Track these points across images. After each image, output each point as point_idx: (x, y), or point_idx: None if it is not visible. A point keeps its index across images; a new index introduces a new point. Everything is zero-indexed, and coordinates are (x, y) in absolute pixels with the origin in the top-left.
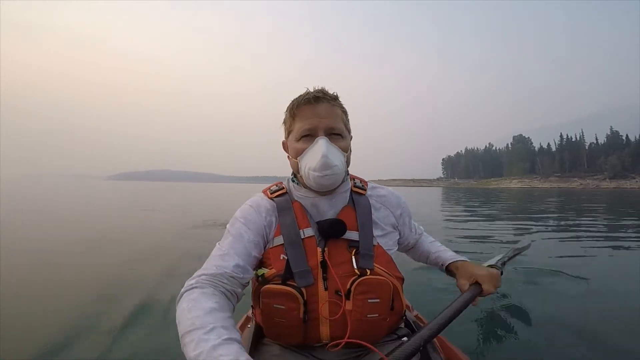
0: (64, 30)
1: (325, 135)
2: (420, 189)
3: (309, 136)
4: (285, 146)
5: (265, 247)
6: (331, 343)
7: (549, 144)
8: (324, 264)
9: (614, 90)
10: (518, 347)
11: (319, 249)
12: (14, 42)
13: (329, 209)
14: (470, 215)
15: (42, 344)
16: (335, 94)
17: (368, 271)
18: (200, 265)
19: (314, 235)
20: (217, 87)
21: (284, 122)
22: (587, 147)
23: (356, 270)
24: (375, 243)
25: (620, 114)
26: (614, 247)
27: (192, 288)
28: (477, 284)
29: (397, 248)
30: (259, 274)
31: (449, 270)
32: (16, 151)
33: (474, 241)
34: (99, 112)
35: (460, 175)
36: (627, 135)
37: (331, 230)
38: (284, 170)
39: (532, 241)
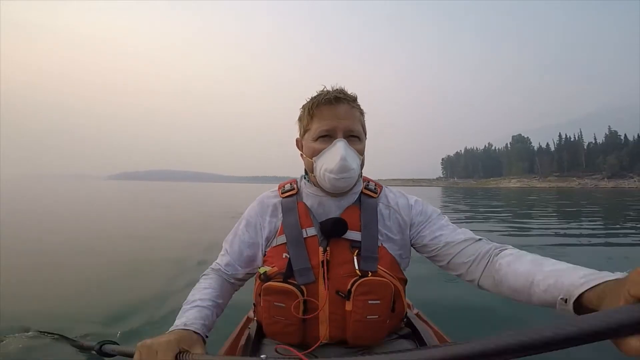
0: (64, 30)
1: (344, 137)
2: (420, 189)
3: (327, 137)
4: (299, 144)
5: (266, 246)
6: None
7: (547, 143)
8: (325, 264)
9: (613, 90)
10: None
11: (321, 248)
12: (14, 42)
13: (336, 210)
14: (469, 214)
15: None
16: (354, 94)
17: (370, 273)
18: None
19: (316, 235)
20: (217, 86)
21: (300, 120)
22: (585, 147)
23: (357, 271)
24: (380, 244)
25: (619, 113)
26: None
27: (203, 276)
28: None
29: (404, 253)
30: (262, 272)
31: (584, 305)
32: (16, 151)
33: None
34: (99, 111)
35: (460, 175)
36: (625, 135)
37: (332, 228)
38: (285, 170)
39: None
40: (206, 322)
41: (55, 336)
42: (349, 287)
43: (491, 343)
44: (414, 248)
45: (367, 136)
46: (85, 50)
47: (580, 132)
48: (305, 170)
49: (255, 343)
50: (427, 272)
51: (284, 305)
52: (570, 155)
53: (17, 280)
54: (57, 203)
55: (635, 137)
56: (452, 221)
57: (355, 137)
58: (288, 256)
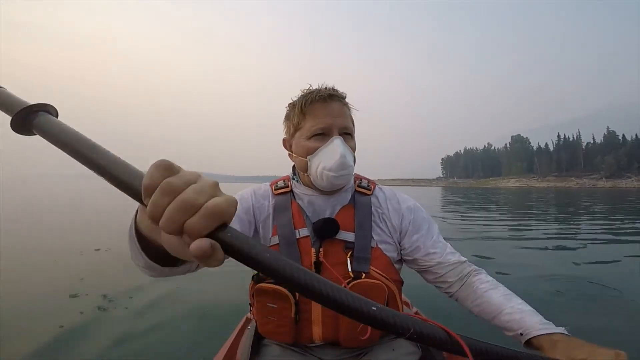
0: (64, 30)
1: (339, 135)
2: (419, 189)
3: (322, 135)
4: (287, 144)
5: (254, 230)
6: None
7: (546, 143)
8: (317, 265)
9: (613, 90)
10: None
11: (313, 249)
12: (15, 42)
13: (327, 208)
14: (468, 213)
15: (43, 344)
16: (344, 93)
17: (363, 274)
18: None
19: (309, 235)
20: (217, 86)
21: (288, 119)
22: (584, 147)
23: (350, 273)
24: (373, 245)
25: (618, 113)
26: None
27: None
28: None
29: (397, 253)
30: (254, 274)
31: (534, 344)
32: (16, 151)
33: (474, 239)
34: (99, 111)
35: (460, 175)
36: (623, 135)
37: (324, 229)
38: (284, 170)
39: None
40: None
41: None
42: None
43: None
44: (402, 257)
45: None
46: (85, 50)
47: (579, 132)
48: (293, 170)
49: (255, 343)
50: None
51: (275, 306)
52: (568, 155)
53: (18, 280)
54: (57, 203)
55: (634, 137)
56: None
57: (349, 134)
58: None
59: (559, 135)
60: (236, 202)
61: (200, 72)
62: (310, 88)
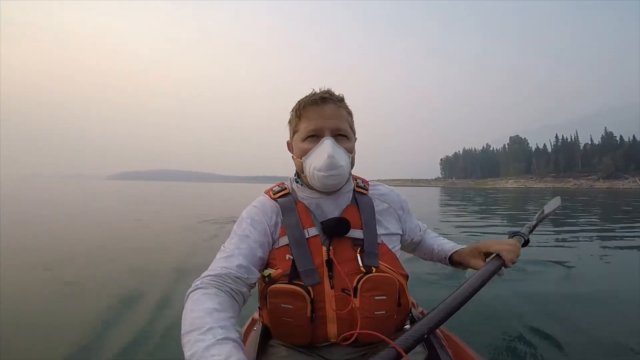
0: (65, 30)
1: (331, 136)
2: (419, 189)
3: (315, 136)
4: (289, 146)
5: (271, 248)
6: (342, 336)
7: (545, 144)
8: (329, 263)
9: (612, 91)
10: (532, 345)
11: (324, 248)
12: (15, 42)
13: (334, 209)
14: (465, 211)
15: (43, 345)
16: (341, 95)
17: (373, 269)
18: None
19: (318, 235)
20: (218, 86)
21: (289, 122)
22: (581, 148)
23: (362, 268)
24: (379, 241)
25: (615, 115)
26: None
27: (197, 289)
28: (496, 256)
29: (399, 246)
30: (265, 275)
31: (455, 260)
32: (16, 151)
33: (473, 234)
34: (99, 111)
35: (459, 176)
36: (620, 136)
37: (336, 228)
38: (284, 170)
39: (561, 201)
40: None
41: None
42: (354, 284)
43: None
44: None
45: (356, 136)
46: (85, 50)
47: (576, 133)
48: (296, 172)
49: (262, 344)
50: (431, 271)
51: (291, 306)
52: (566, 156)
53: (19, 280)
54: (57, 204)
55: (631, 138)
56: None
57: (343, 136)
58: (291, 257)
59: (557, 136)
60: None
61: (200, 73)
62: (314, 92)
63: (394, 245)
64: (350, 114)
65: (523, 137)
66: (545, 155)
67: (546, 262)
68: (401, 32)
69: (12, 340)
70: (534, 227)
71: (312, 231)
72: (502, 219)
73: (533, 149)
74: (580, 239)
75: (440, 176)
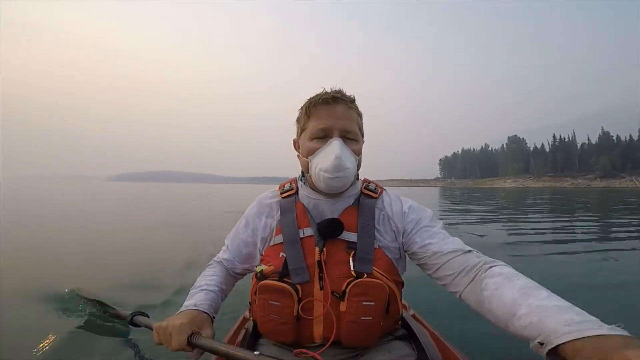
0: (65, 30)
1: (340, 137)
2: (417, 189)
3: (323, 136)
4: (296, 144)
5: (263, 245)
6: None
7: (542, 144)
8: (320, 264)
9: (608, 92)
10: (518, 347)
11: (317, 249)
12: (15, 42)
13: (333, 211)
14: (463, 210)
15: (44, 345)
16: (352, 96)
17: (365, 274)
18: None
19: (313, 235)
20: (218, 87)
21: (297, 120)
22: (579, 148)
23: (352, 272)
24: (376, 246)
25: (613, 115)
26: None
27: (208, 265)
28: None
29: (401, 257)
30: (258, 271)
31: (561, 354)
32: (16, 152)
33: (470, 236)
34: (99, 112)
35: (458, 176)
36: (617, 135)
37: (328, 229)
38: (283, 170)
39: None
40: (213, 304)
41: (95, 302)
42: (343, 287)
43: None
44: (407, 254)
45: (364, 138)
46: (85, 51)
47: (574, 132)
48: (302, 171)
49: (251, 342)
50: (424, 274)
51: (278, 303)
52: (564, 156)
53: (20, 281)
54: (58, 204)
55: (628, 138)
56: (449, 223)
57: (352, 138)
58: (284, 255)
59: (554, 136)
60: (182, 335)
61: (199, 73)
62: (324, 91)
63: (393, 254)
64: (360, 115)
65: (521, 137)
66: (543, 155)
67: (542, 260)
68: (401, 32)
69: (11, 341)
70: None
71: (308, 231)
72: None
73: (531, 148)
74: (579, 240)
75: (440, 176)
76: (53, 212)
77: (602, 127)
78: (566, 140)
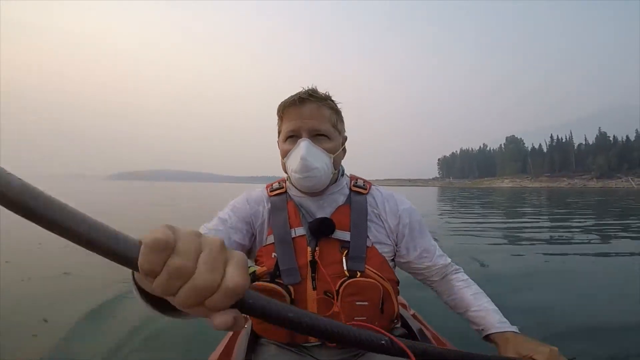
0: (64, 30)
1: (310, 137)
2: (416, 189)
3: (294, 137)
4: (278, 146)
5: (253, 236)
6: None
7: (540, 144)
8: (313, 264)
9: (606, 93)
10: None
11: (309, 248)
12: (15, 42)
13: (316, 210)
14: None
15: (43, 345)
16: (326, 93)
17: (358, 273)
18: None
19: (304, 235)
20: (217, 86)
21: (277, 123)
22: (576, 148)
23: (346, 272)
24: (369, 245)
25: (610, 115)
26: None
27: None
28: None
29: (393, 256)
30: (251, 272)
31: (491, 339)
32: (16, 152)
33: (467, 235)
34: (98, 112)
35: (456, 175)
36: (614, 136)
37: (319, 228)
38: (282, 170)
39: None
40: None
41: None
42: (336, 287)
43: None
44: (395, 258)
45: (345, 135)
46: (85, 50)
47: (571, 133)
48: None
49: (251, 342)
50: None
51: None
52: (561, 156)
53: (20, 280)
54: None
55: (624, 138)
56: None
57: (323, 135)
58: (276, 256)
59: (552, 137)
60: (247, 269)
61: (199, 73)
62: (299, 91)
63: (386, 251)
64: (336, 112)
65: (519, 138)
66: (541, 155)
67: (543, 262)
68: (401, 32)
69: (11, 340)
70: None
71: (299, 231)
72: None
73: (529, 149)
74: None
75: (438, 176)
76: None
77: (599, 128)
78: (563, 140)
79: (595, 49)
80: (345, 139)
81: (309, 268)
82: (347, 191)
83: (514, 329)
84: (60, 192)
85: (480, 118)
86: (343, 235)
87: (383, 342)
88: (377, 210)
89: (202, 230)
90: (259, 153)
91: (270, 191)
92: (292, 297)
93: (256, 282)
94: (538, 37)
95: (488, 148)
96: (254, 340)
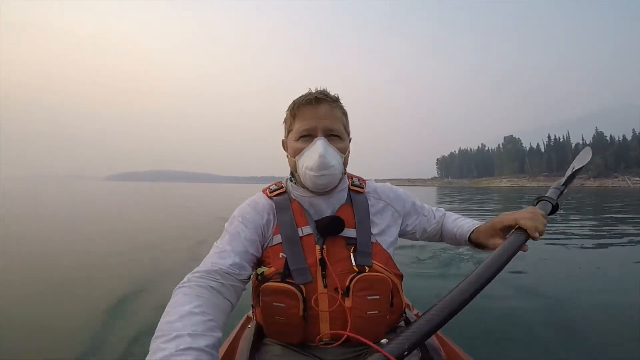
0: (64, 31)
1: (324, 136)
2: (415, 189)
3: (308, 136)
4: (284, 145)
5: (263, 246)
6: (328, 332)
7: (538, 144)
8: (322, 262)
9: (604, 93)
10: (522, 347)
11: (317, 247)
12: (15, 42)
13: (327, 208)
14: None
15: (45, 345)
16: (336, 95)
17: (367, 268)
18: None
19: (312, 234)
20: (216, 87)
21: (285, 121)
22: (573, 148)
23: (355, 267)
24: (373, 240)
25: (608, 115)
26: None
27: (182, 287)
28: (517, 230)
29: (395, 245)
30: (259, 273)
31: (474, 242)
32: (16, 152)
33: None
34: (98, 112)
35: (455, 175)
36: (611, 135)
37: (330, 227)
38: (282, 170)
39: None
40: None
41: None
42: (347, 283)
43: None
44: (407, 232)
45: (350, 137)
46: (85, 51)
47: (568, 133)
48: (291, 171)
49: (255, 343)
50: (427, 272)
51: (283, 305)
52: (558, 156)
53: (21, 281)
54: (57, 204)
55: (621, 138)
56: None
57: (336, 136)
58: (285, 256)
59: (549, 136)
60: None
61: (199, 73)
62: (310, 91)
63: (390, 244)
64: (345, 114)
65: (517, 137)
66: (538, 155)
67: (545, 261)
68: (401, 32)
69: (11, 341)
70: (564, 187)
71: (306, 230)
72: None
73: (527, 148)
74: (581, 237)
75: (437, 176)
76: (57, 211)
77: (596, 128)
78: (561, 140)
79: (594, 50)
80: (350, 140)
81: (319, 266)
82: (347, 189)
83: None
84: (61, 193)
85: (479, 118)
86: (349, 232)
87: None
88: (382, 200)
89: (215, 250)
90: (258, 153)
91: (270, 193)
92: (304, 296)
93: (267, 283)
94: (538, 37)
95: (486, 148)
96: (258, 340)
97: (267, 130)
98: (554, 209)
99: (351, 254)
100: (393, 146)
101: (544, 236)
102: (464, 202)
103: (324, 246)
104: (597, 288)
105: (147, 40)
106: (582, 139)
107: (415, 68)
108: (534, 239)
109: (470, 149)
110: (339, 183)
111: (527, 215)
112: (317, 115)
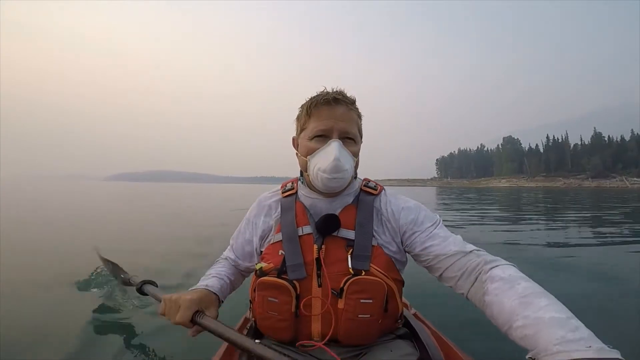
0: (63, 31)
1: (339, 139)
2: (415, 189)
3: (323, 137)
4: (295, 142)
5: (261, 243)
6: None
7: (537, 144)
8: (319, 261)
9: (604, 93)
10: (522, 348)
11: (315, 246)
12: (15, 42)
13: (331, 209)
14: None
15: (43, 346)
16: (353, 97)
17: (363, 272)
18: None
19: (311, 233)
20: (216, 87)
21: (297, 119)
22: (571, 148)
23: (350, 270)
24: (375, 244)
25: (608, 115)
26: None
27: (216, 262)
28: None
29: (401, 256)
30: (258, 268)
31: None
32: (16, 151)
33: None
34: (98, 112)
35: (454, 175)
36: (609, 136)
37: (324, 225)
38: (282, 170)
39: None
40: (223, 289)
41: (109, 264)
42: (341, 285)
43: None
44: (409, 255)
45: (362, 140)
46: (84, 51)
47: (567, 133)
48: (300, 170)
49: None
50: (426, 272)
51: (277, 300)
52: (557, 156)
53: (20, 281)
54: (55, 205)
55: (619, 138)
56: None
57: (351, 139)
58: (283, 253)
59: (548, 137)
60: (187, 310)
61: (199, 73)
62: (324, 91)
63: (393, 252)
64: (360, 117)
65: (515, 137)
66: (537, 155)
67: (546, 260)
68: (400, 33)
69: (11, 340)
70: None
71: (306, 229)
72: None
73: (526, 149)
74: (583, 237)
75: (436, 176)
76: (57, 211)
77: (595, 128)
78: (559, 140)
79: (594, 50)
80: (361, 143)
81: (315, 265)
82: (357, 192)
83: (590, 352)
84: (62, 193)
85: (479, 118)
86: (348, 234)
87: None
88: (383, 212)
89: (230, 242)
90: (259, 154)
91: (283, 192)
92: (298, 292)
93: (263, 277)
94: (537, 38)
95: (485, 148)
96: (256, 339)
97: (267, 130)
98: None
99: (349, 256)
100: (393, 146)
101: (544, 236)
102: (463, 204)
103: (323, 246)
104: (597, 287)
105: (147, 40)
106: (581, 139)
107: (415, 67)
108: None
109: (470, 149)
110: (348, 186)
111: None
112: (334, 117)
